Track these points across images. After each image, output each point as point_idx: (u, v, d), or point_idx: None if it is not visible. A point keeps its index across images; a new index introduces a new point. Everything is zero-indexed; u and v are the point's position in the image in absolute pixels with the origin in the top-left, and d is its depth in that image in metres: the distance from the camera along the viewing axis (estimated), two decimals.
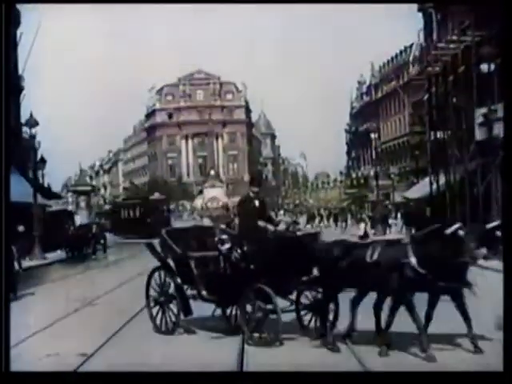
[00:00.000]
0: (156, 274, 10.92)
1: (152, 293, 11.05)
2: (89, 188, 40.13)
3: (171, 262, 10.88)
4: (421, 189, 35.08)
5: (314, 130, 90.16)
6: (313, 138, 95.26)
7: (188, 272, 10.48)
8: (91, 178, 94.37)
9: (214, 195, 65.76)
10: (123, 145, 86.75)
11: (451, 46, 27.65)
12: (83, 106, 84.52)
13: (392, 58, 70.33)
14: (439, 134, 30.58)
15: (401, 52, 68.62)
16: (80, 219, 38.17)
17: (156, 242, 11.14)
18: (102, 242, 32.19)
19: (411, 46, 66.76)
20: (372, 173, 72.16)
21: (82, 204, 38.57)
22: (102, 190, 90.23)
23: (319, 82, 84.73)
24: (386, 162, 69.76)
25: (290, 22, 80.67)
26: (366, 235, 34.32)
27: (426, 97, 31.98)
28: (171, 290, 10.70)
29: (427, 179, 36.76)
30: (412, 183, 44.57)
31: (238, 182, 75.91)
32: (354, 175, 75.58)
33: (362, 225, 34.34)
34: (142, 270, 22.83)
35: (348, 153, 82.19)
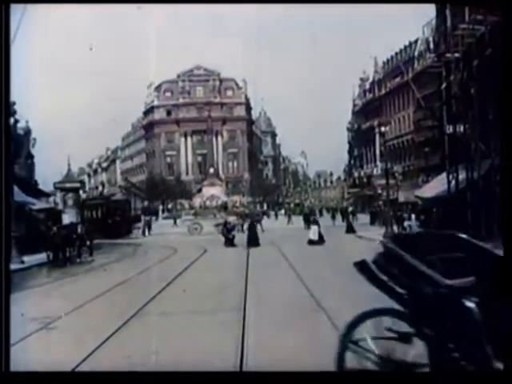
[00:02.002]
0: (369, 323, 6.03)
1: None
2: (77, 185, 36.58)
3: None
4: (435, 187, 31.52)
5: (315, 128, 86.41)
6: (313, 137, 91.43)
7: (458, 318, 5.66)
8: (89, 175, 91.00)
9: (213, 193, 62.81)
10: (121, 142, 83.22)
11: (476, 27, 24.12)
12: (81, 103, 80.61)
13: (396, 54, 67.01)
14: (458, 127, 27.01)
15: (405, 47, 65.32)
16: (68, 218, 34.59)
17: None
18: (88, 243, 28.60)
19: (416, 40, 63.54)
20: (375, 171, 69.11)
21: (70, 202, 35.08)
22: (100, 188, 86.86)
23: (320, 78, 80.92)
24: (389, 160, 66.53)
25: (291, 18, 76.80)
26: (321, 239, 31.05)
27: (443, 86, 28.36)
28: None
29: (440, 177, 33.33)
30: (422, 182, 41.02)
31: (237, 181, 72.73)
32: (356, 174, 72.32)
33: (315, 227, 30.66)
34: (125, 277, 19.58)
35: (349, 151, 78.85)
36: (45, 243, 27.96)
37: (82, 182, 40.87)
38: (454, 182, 28.56)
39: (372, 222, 44.34)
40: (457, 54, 26.56)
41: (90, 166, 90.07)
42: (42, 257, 27.43)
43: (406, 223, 29.94)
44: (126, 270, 21.56)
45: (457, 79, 26.85)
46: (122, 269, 23.29)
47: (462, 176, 28.37)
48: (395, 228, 31.16)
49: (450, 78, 27.37)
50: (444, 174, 32.97)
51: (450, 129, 28.11)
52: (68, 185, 35.82)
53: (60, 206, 38.13)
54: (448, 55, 26.99)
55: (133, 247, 33.42)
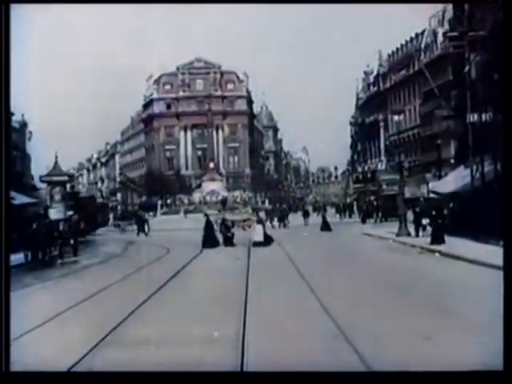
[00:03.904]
0: None
1: None
2: (65, 178, 33.03)
3: None
4: (453, 181, 28.04)
5: (317, 123, 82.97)
6: (315, 131, 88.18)
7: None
8: (88, 170, 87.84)
9: (214, 189, 59.48)
10: (120, 137, 79.81)
11: None
12: (81, 97, 77.31)
13: (402, 46, 63.50)
14: (485, 115, 23.51)
15: (411, 39, 61.81)
16: (55, 214, 31.05)
17: None
18: (72, 242, 25.06)
19: (423, 32, 60.06)
20: (380, 166, 65.63)
21: (57, 197, 31.56)
22: (99, 184, 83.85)
23: (322, 73, 77.50)
24: (394, 155, 63.27)
25: (292, 12, 73.32)
26: (268, 239, 25.64)
27: (466, 69, 24.79)
28: None
29: (457, 170, 29.93)
30: (434, 176, 37.53)
31: (238, 176, 69.38)
32: (360, 169, 68.95)
33: (259, 227, 26.53)
34: (104, 284, 16.12)
35: (352, 146, 75.48)
36: (24, 242, 24.47)
37: (71, 176, 37.27)
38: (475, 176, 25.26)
39: (364, 220, 40.43)
40: (482, 32, 23.02)
41: (89, 160, 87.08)
42: (20, 257, 23.96)
43: (424, 221, 26.30)
44: (109, 275, 18.14)
45: (482, 60, 23.31)
46: (104, 273, 19.86)
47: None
48: (407, 226, 27.59)
49: (476, 58, 23.76)
50: (461, 168, 29.59)
51: (473, 117, 24.54)
52: (55, 178, 32.28)
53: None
54: (471, 34, 23.39)
55: (124, 245, 29.97)
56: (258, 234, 26.11)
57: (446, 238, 23.91)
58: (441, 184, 30.49)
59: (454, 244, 22.43)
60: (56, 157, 33.24)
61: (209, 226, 27.03)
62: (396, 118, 27.45)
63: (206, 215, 28.72)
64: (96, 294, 14.17)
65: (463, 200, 25.26)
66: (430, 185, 34.25)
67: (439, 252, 20.96)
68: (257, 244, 25.59)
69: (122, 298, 13.57)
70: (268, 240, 26.07)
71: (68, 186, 34.77)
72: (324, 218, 35.66)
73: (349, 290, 13.69)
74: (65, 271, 20.71)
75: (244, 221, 38.50)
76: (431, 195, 40.30)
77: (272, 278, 15.88)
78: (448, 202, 28.64)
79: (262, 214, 33.61)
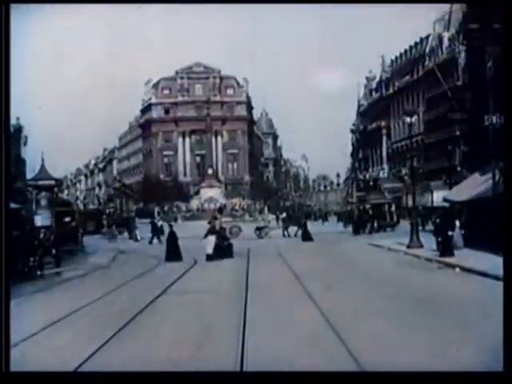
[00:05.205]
0: None
1: None
2: (52, 182, 30.53)
3: None
4: (469, 189, 25.53)
5: (317, 131, 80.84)
6: (315, 139, 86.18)
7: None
8: (86, 176, 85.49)
9: (212, 196, 57.04)
10: (118, 142, 77.54)
11: None
12: (79, 102, 75.26)
13: (406, 51, 61.32)
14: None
15: (416, 44, 59.63)
16: (41, 221, 28.53)
17: None
18: (54, 252, 22.51)
19: (427, 37, 57.90)
20: (382, 174, 63.30)
21: (44, 202, 29.07)
22: (97, 190, 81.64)
23: (323, 79, 75.35)
24: (396, 163, 61.09)
25: (293, 15, 71.33)
26: (219, 252, 21.67)
27: (489, 65, 22.38)
28: None
29: (471, 178, 27.50)
30: (445, 183, 35.08)
31: (237, 183, 67.03)
32: (361, 177, 66.62)
33: (212, 238, 22.45)
34: (77, 305, 13.49)
35: (353, 154, 73.19)
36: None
37: (58, 180, 34.66)
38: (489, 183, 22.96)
39: (357, 231, 36.45)
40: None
41: (87, 166, 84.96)
42: None
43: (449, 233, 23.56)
44: (89, 291, 15.67)
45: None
46: (84, 288, 17.37)
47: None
48: (419, 237, 25.08)
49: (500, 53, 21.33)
50: (476, 174, 27.15)
51: (493, 119, 22.08)
52: (41, 182, 29.73)
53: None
54: (496, 26, 20.97)
55: (113, 255, 27.38)
56: (210, 245, 22.13)
57: (463, 250, 21.64)
58: (454, 192, 28.02)
59: (471, 257, 20.01)
60: (42, 159, 30.75)
61: (172, 237, 23.67)
62: (408, 119, 24.89)
63: (170, 226, 25.40)
64: (66, 316, 11.73)
65: (481, 209, 22.77)
66: (443, 193, 31.87)
67: (459, 267, 18.47)
68: (209, 257, 21.83)
69: (91, 326, 11.09)
70: (222, 254, 22.38)
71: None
72: (305, 226, 32.74)
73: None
74: (42, 285, 18.17)
75: (258, 229, 35.74)
76: (435, 204, 37.83)
77: (275, 311, 13.37)
78: (461, 211, 26.28)
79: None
